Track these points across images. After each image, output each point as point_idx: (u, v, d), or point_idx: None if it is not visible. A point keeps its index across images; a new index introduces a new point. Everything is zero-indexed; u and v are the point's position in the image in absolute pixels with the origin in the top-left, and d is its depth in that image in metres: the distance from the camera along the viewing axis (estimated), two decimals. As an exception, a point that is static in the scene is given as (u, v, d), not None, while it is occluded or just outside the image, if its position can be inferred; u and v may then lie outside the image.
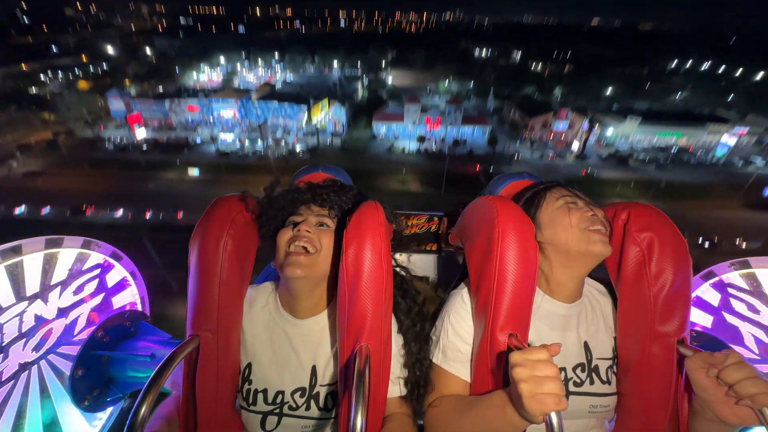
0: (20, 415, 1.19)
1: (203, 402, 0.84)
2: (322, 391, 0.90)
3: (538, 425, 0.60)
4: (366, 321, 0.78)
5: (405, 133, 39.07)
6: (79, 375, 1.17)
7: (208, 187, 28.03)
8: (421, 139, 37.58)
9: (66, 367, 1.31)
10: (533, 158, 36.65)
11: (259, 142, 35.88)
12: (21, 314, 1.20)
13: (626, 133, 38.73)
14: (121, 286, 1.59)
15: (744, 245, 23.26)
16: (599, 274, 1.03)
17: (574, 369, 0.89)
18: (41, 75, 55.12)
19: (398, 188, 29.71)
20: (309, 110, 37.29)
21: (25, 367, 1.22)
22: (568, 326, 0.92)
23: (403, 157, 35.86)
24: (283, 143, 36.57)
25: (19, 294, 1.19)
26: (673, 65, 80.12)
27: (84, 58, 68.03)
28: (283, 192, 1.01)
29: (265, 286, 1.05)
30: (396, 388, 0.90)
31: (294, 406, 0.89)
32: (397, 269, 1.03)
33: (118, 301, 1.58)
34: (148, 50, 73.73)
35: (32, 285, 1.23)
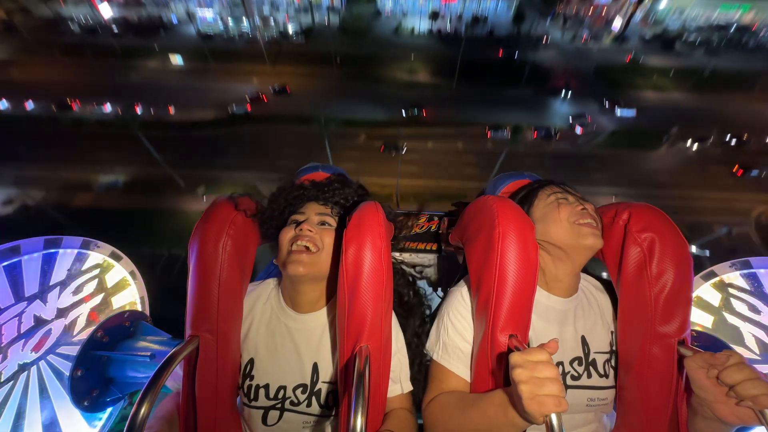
0: (20, 416, 1.19)
1: (203, 402, 0.85)
2: (324, 389, 0.90)
3: (539, 425, 0.61)
4: (366, 321, 0.78)
5: (415, 8, 32.83)
6: (79, 375, 1.16)
7: (196, 79, 25.43)
8: (435, 16, 31.74)
9: (65, 367, 1.30)
10: (564, 40, 31.45)
11: (245, 21, 30.74)
12: (20, 314, 1.20)
13: (682, 6, 32.03)
14: (120, 286, 1.59)
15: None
16: (596, 271, 1.05)
17: (571, 363, 0.90)
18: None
19: (405, 78, 26.55)
20: (299, -24, 30.60)
21: (24, 367, 1.22)
22: (565, 321, 0.93)
23: (413, 40, 31.01)
24: (272, 22, 31.35)
25: (18, 294, 1.19)
26: None
27: None
28: (284, 189, 1.00)
29: (267, 282, 1.05)
30: (397, 387, 0.91)
31: (295, 401, 0.89)
32: (398, 267, 1.05)
33: (118, 301, 1.58)
34: None
35: (31, 285, 1.23)
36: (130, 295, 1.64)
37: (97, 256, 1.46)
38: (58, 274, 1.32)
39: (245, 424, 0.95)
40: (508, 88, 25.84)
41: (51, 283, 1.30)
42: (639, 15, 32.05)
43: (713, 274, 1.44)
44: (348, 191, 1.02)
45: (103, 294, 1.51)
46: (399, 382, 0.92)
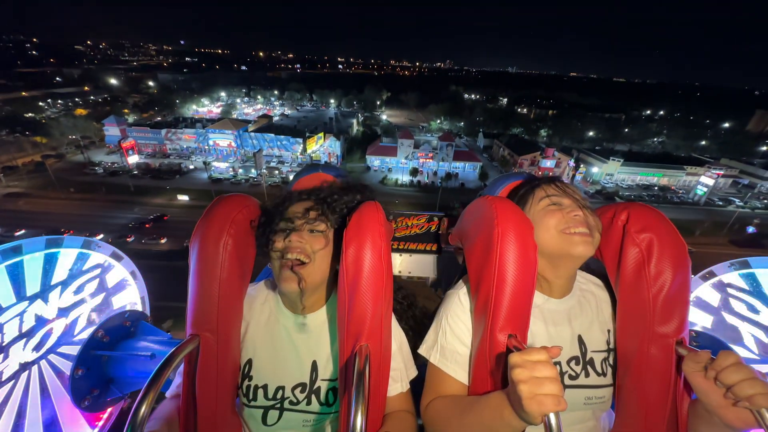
0: (20, 415, 1.19)
1: (203, 401, 0.84)
2: (323, 386, 0.90)
3: (537, 426, 0.60)
4: (366, 321, 0.79)
5: (398, 166, 39.87)
6: (79, 375, 1.17)
7: (197, 213, 27.39)
8: (414, 172, 38.34)
9: (66, 367, 1.30)
10: (523, 193, 37.39)
11: (253, 171, 35.96)
12: (21, 314, 1.19)
13: (610, 172, 40.31)
14: (121, 286, 1.58)
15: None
16: (594, 266, 1.03)
17: (568, 362, 0.89)
18: (40, 102, 55.79)
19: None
20: (304, 142, 38.06)
21: (25, 367, 1.21)
22: (561, 321, 0.92)
23: (397, 189, 36.23)
24: (276, 172, 36.71)
25: (20, 294, 1.19)
26: (647, 113, 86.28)
27: (86, 88, 69.80)
28: (277, 202, 0.99)
29: (266, 282, 1.06)
30: (397, 386, 0.91)
31: (294, 401, 0.89)
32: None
33: (118, 301, 1.57)
34: (150, 83, 76.27)
35: (33, 285, 1.23)
36: (131, 295, 1.63)
37: (98, 256, 1.45)
38: (60, 273, 1.31)
39: (245, 424, 0.92)
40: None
41: (52, 283, 1.29)
42: (579, 177, 39.74)
43: (712, 274, 1.42)
44: (347, 198, 0.99)
45: (103, 294, 1.50)
46: (399, 381, 0.92)
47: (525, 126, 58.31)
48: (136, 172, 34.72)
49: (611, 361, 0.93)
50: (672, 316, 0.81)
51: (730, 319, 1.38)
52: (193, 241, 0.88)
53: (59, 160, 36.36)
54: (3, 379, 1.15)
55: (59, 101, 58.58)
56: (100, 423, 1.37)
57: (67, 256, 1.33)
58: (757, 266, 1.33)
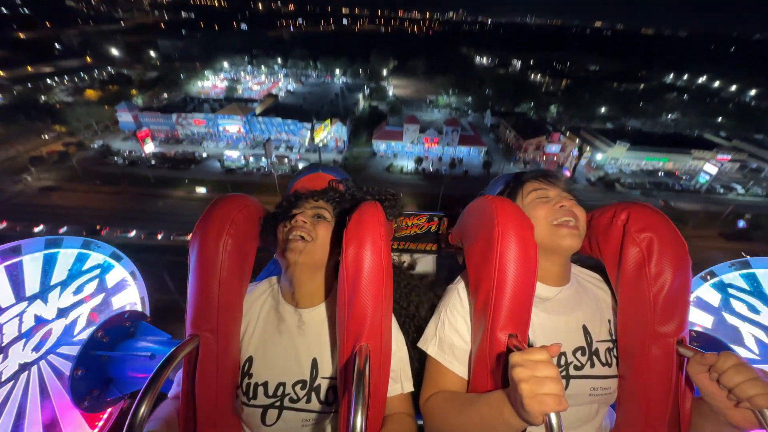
0: (20, 415, 1.16)
1: (203, 402, 0.85)
2: (323, 384, 0.91)
3: (537, 426, 0.60)
4: (366, 321, 0.79)
5: (404, 151, 40.56)
6: (79, 375, 1.15)
7: (215, 207, 29.51)
8: (419, 160, 39.08)
9: (66, 367, 1.29)
10: (525, 180, 38.17)
11: (263, 159, 37.29)
12: (21, 314, 1.18)
13: (615, 157, 40.38)
14: (121, 286, 1.56)
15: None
16: (592, 262, 1.06)
17: (574, 353, 0.90)
18: (47, 79, 56.00)
19: (395, 211, 31.28)
20: (312, 131, 38.71)
21: (25, 367, 1.20)
22: (564, 310, 0.94)
23: (401, 177, 37.39)
24: (286, 160, 37.99)
25: (19, 294, 1.17)
26: (669, 79, 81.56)
27: (88, 60, 68.86)
28: (285, 197, 1.07)
29: (266, 281, 1.08)
30: (397, 386, 0.92)
31: (295, 398, 0.89)
32: (397, 267, 1.06)
33: (118, 301, 1.55)
34: (152, 53, 74.52)
35: (32, 285, 1.21)
36: (130, 295, 1.60)
37: (97, 256, 1.44)
38: (59, 274, 1.30)
39: (244, 425, 0.93)
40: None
41: (52, 283, 1.28)
42: (583, 161, 40.00)
43: (713, 275, 1.40)
44: (344, 191, 1.07)
45: (103, 294, 1.47)
46: (399, 381, 0.92)
47: (535, 100, 56.67)
48: (153, 162, 36.43)
49: (615, 352, 0.93)
50: (672, 315, 0.82)
51: (731, 320, 1.35)
52: (192, 241, 0.90)
53: (80, 149, 38.06)
54: (2, 379, 1.14)
55: (65, 78, 58.56)
56: (100, 423, 1.36)
57: (66, 257, 1.32)
58: (758, 266, 1.31)
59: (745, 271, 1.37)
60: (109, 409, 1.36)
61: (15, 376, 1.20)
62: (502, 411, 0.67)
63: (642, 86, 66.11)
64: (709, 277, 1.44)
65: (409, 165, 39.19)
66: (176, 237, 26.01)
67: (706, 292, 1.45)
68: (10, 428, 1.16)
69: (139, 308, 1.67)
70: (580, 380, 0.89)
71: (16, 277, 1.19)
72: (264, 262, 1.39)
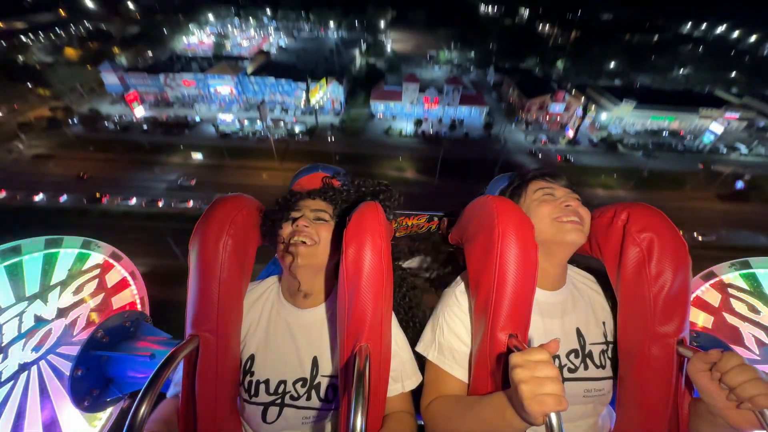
0: (20, 416, 1.17)
1: (203, 402, 0.85)
2: (324, 382, 0.92)
3: (538, 426, 0.60)
4: (366, 321, 0.79)
5: (403, 112, 39.30)
6: (79, 375, 1.15)
7: (213, 173, 29.43)
8: (418, 123, 37.98)
9: (66, 367, 1.29)
10: (525, 142, 37.55)
11: (258, 122, 36.25)
12: (21, 314, 1.18)
13: (620, 116, 39.26)
14: (120, 286, 1.56)
15: (700, 238, 25.58)
16: (593, 264, 1.07)
17: (567, 355, 0.91)
18: (21, 36, 52.32)
19: (394, 175, 31.13)
20: (307, 92, 37.12)
21: (24, 367, 1.20)
22: (558, 313, 0.95)
23: (400, 140, 36.64)
24: (282, 124, 36.93)
25: (19, 294, 1.18)
26: (686, 29, 76.37)
27: (62, 13, 63.70)
28: (284, 195, 1.06)
29: (267, 280, 1.10)
30: (397, 386, 0.93)
31: (295, 395, 0.90)
32: (397, 268, 1.09)
33: (118, 301, 1.55)
34: (130, 4, 68.63)
35: (32, 285, 1.22)
36: (130, 295, 1.61)
37: (97, 256, 1.45)
38: (59, 274, 1.30)
39: (245, 423, 0.94)
40: (483, 183, 30.36)
41: (51, 283, 1.28)
42: (587, 122, 38.96)
43: (713, 275, 1.41)
44: (346, 191, 1.06)
45: (103, 294, 1.49)
46: (400, 381, 0.92)
47: (542, 55, 53.64)
48: (146, 128, 35.44)
49: (610, 354, 0.93)
50: (672, 315, 0.82)
51: (731, 320, 1.36)
52: (193, 241, 0.90)
53: (67, 114, 36.80)
54: (2, 379, 1.14)
55: (41, 35, 54.64)
56: (100, 423, 1.37)
57: (66, 257, 1.32)
58: (758, 266, 1.32)
59: (745, 271, 1.37)
60: (109, 409, 1.36)
61: (15, 376, 1.19)
62: (503, 413, 0.68)
63: (656, 37, 62.14)
64: (709, 278, 1.45)
65: (408, 127, 38.19)
66: (177, 204, 26.20)
67: (706, 292, 1.45)
68: (10, 428, 1.16)
69: (139, 308, 1.69)
70: (574, 383, 0.90)
71: (16, 277, 1.19)
72: (264, 262, 1.41)
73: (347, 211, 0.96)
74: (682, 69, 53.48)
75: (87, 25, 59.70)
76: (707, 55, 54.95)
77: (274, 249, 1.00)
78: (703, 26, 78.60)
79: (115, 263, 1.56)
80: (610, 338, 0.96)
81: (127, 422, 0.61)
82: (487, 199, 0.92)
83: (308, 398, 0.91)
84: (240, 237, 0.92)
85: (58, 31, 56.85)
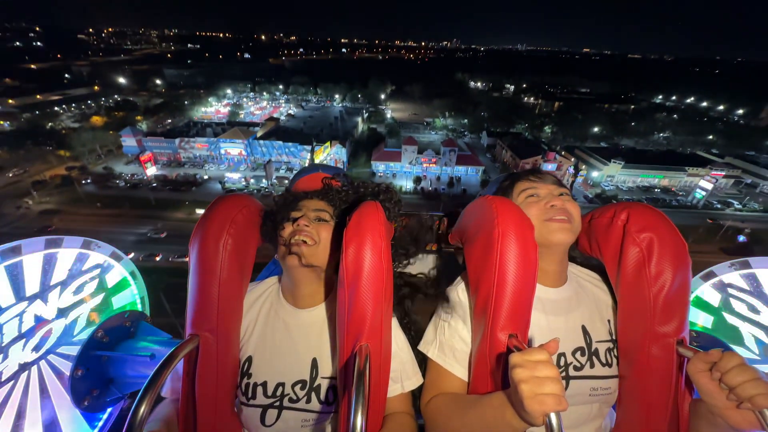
0: (20, 416, 1.18)
1: (203, 402, 0.85)
2: (323, 384, 0.90)
3: (538, 427, 0.60)
4: (366, 321, 0.78)
5: (402, 171, 41.18)
6: (79, 375, 1.17)
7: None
8: (417, 180, 39.63)
9: (66, 367, 1.30)
10: (524, 198, 38.48)
11: (264, 180, 37.78)
12: (21, 314, 1.19)
13: (611, 174, 41.00)
14: (121, 286, 1.59)
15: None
16: (594, 262, 1.05)
17: (573, 353, 0.90)
18: (55, 107, 57.66)
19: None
20: (312, 153, 39.52)
21: (24, 367, 1.21)
22: (561, 311, 0.94)
23: (401, 196, 37.65)
24: (286, 182, 38.38)
25: (19, 294, 1.19)
26: (658, 100, 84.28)
27: (96, 88, 71.28)
28: (284, 194, 1.06)
29: (267, 281, 1.08)
30: (397, 386, 0.92)
31: (294, 398, 0.89)
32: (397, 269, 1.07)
33: (118, 301, 1.58)
34: (158, 81, 77.26)
35: (32, 285, 1.23)
36: (131, 295, 1.63)
37: (97, 256, 1.46)
38: (59, 274, 1.31)
39: (243, 425, 0.94)
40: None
41: (52, 283, 1.29)
42: (580, 179, 40.55)
43: (712, 275, 1.42)
44: (345, 192, 1.06)
45: (103, 294, 1.50)
46: (399, 382, 0.92)
47: (529, 121, 58.27)
48: (155, 185, 36.83)
49: (616, 352, 0.93)
50: (672, 315, 0.82)
51: (731, 320, 1.37)
52: (192, 240, 0.89)
53: (82, 173, 38.58)
54: (2, 379, 1.15)
55: (73, 105, 60.32)
56: (100, 423, 1.37)
57: (66, 257, 1.34)
58: (758, 266, 1.33)
59: (745, 271, 1.38)
60: (108, 409, 1.37)
61: (15, 376, 1.20)
62: (503, 412, 0.67)
63: (632, 107, 68.20)
64: (709, 277, 1.46)
65: (408, 184, 39.65)
66: (175, 259, 25.84)
67: (706, 292, 1.46)
68: (10, 428, 1.16)
69: (139, 308, 1.70)
70: (580, 381, 0.89)
71: (16, 277, 1.20)
72: (264, 262, 1.39)
73: (347, 212, 0.95)
74: (661, 133, 57.55)
75: (117, 97, 66.25)
76: (683, 120, 59.64)
77: (275, 249, 0.99)
78: (673, 98, 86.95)
79: (115, 263, 1.56)
80: (615, 336, 0.95)
81: (127, 422, 0.62)
82: (487, 199, 0.92)
83: (308, 401, 0.89)
84: (240, 237, 0.91)
85: (90, 103, 62.90)
